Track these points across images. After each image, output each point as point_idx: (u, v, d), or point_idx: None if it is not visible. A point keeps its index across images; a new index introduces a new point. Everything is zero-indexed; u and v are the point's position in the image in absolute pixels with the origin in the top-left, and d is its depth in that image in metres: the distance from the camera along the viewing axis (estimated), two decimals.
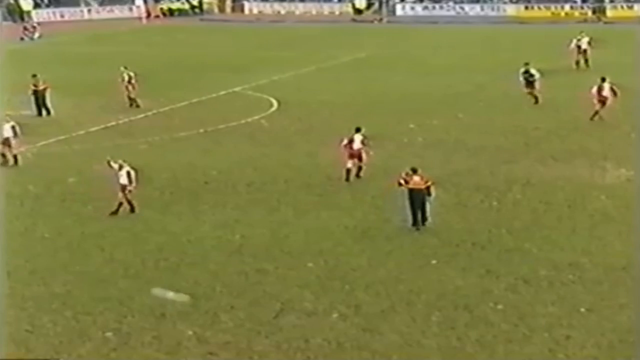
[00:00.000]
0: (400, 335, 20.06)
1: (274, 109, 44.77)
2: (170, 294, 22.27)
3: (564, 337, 19.83)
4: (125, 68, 45.49)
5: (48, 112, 43.85)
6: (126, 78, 44.88)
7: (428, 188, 26.51)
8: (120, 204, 28.22)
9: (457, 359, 19.26)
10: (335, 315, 21.12)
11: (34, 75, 44.10)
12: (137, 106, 44.66)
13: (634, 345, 19.43)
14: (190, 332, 20.41)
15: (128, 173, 28.09)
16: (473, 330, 20.22)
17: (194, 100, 47.20)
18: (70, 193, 31.05)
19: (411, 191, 26.43)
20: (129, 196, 28.16)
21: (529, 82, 43.79)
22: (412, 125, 39.60)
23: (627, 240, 25.34)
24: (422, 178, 26.52)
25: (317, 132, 39.48)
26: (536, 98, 43.57)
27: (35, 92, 43.83)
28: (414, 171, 26.59)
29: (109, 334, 20.46)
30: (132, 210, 28.36)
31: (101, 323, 20.92)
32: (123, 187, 28.07)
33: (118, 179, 28.12)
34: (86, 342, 20.10)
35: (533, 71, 43.87)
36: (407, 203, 26.51)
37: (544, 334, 20.01)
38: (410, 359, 19.23)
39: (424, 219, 26.63)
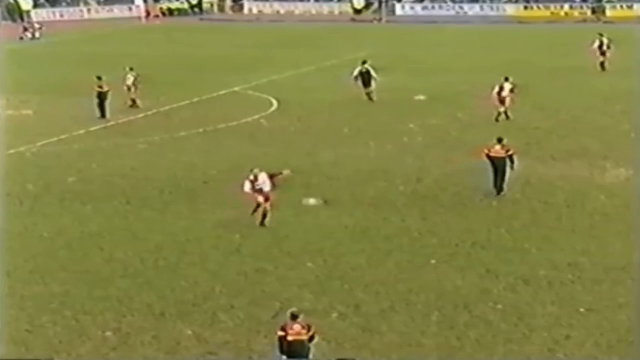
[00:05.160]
0: (400, 335, 20.04)
1: (273, 108, 44.77)
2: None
3: (563, 337, 19.82)
4: (131, 69, 45.39)
5: (104, 115, 42.66)
6: (131, 79, 44.74)
7: (510, 157, 28.75)
8: (264, 215, 26.93)
9: (456, 358, 19.25)
10: (334, 314, 21.10)
11: (99, 78, 43.23)
12: (137, 107, 44.60)
13: (633, 344, 19.44)
14: (190, 332, 20.39)
15: (269, 180, 26.91)
16: (472, 330, 20.21)
17: (194, 99, 47.20)
18: (69, 192, 31.02)
19: (493, 159, 28.87)
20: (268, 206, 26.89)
21: (367, 81, 44.71)
22: (412, 125, 39.59)
23: (626, 240, 25.32)
24: (502, 147, 28.89)
25: (317, 132, 39.48)
26: (371, 97, 44.77)
27: (99, 95, 42.85)
28: (499, 140, 29.04)
29: (108, 333, 20.43)
30: (263, 222, 26.95)
31: (100, 322, 20.89)
32: (266, 196, 26.83)
33: (255, 187, 26.75)
34: (85, 342, 20.07)
35: (371, 70, 44.80)
36: (490, 170, 29.11)
37: (544, 333, 20.00)
38: (410, 359, 19.23)
39: (500, 188, 28.78)
